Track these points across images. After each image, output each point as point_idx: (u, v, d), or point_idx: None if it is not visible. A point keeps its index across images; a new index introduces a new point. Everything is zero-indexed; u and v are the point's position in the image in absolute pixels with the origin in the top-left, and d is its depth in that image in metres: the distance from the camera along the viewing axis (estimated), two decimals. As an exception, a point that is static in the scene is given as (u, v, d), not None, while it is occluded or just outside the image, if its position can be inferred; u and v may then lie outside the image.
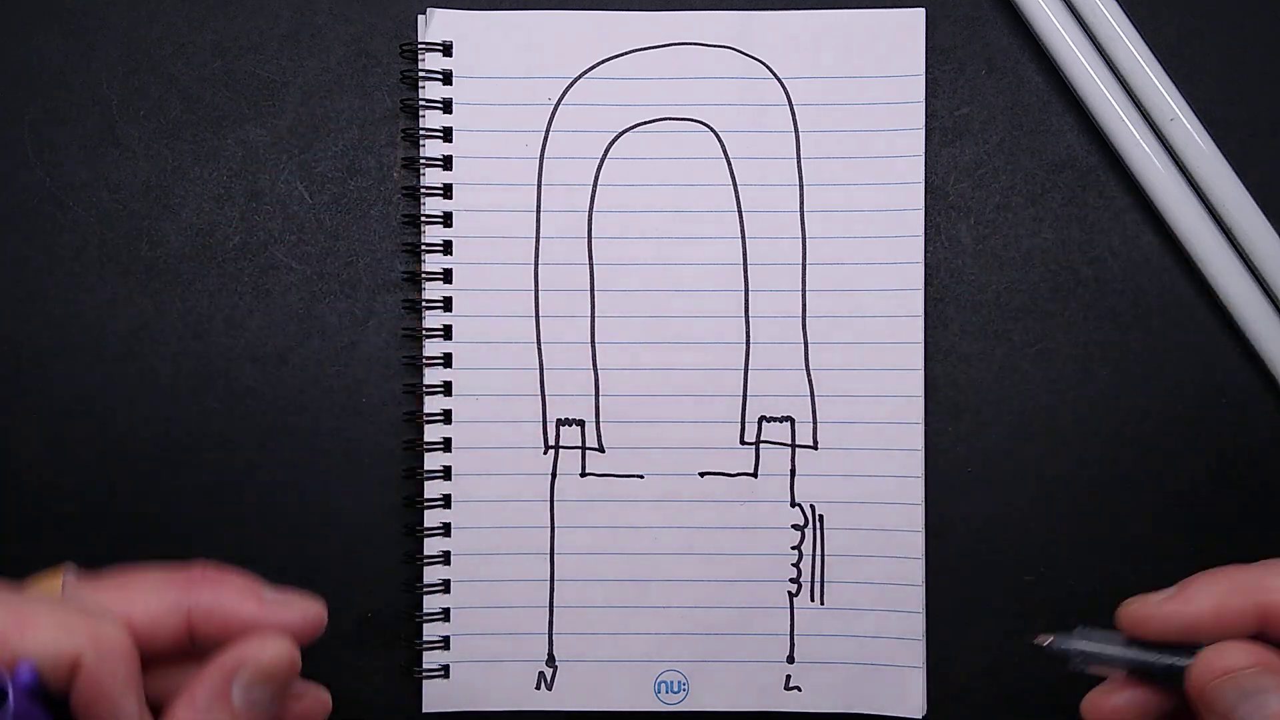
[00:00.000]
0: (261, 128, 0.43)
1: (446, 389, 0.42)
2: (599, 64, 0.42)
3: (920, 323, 0.42)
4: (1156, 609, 0.31)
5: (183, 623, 0.30)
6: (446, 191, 0.42)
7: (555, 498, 0.42)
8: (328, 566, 0.42)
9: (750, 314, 0.42)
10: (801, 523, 0.42)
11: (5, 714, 0.25)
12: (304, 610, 0.31)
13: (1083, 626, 0.32)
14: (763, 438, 0.42)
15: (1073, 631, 0.32)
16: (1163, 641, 0.31)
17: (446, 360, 0.42)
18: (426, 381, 0.42)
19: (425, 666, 0.42)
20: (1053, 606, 0.42)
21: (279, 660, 0.30)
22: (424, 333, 0.42)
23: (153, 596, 0.30)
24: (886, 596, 0.41)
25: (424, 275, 0.42)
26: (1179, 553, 0.41)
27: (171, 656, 0.31)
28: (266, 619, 0.31)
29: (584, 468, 0.42)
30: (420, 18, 0.42)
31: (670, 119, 0.42)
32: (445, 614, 0.42)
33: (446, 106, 0.42)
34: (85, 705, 0.28)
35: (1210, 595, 0.31)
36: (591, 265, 0.42)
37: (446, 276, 0.42)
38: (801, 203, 0.42)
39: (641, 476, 0.42)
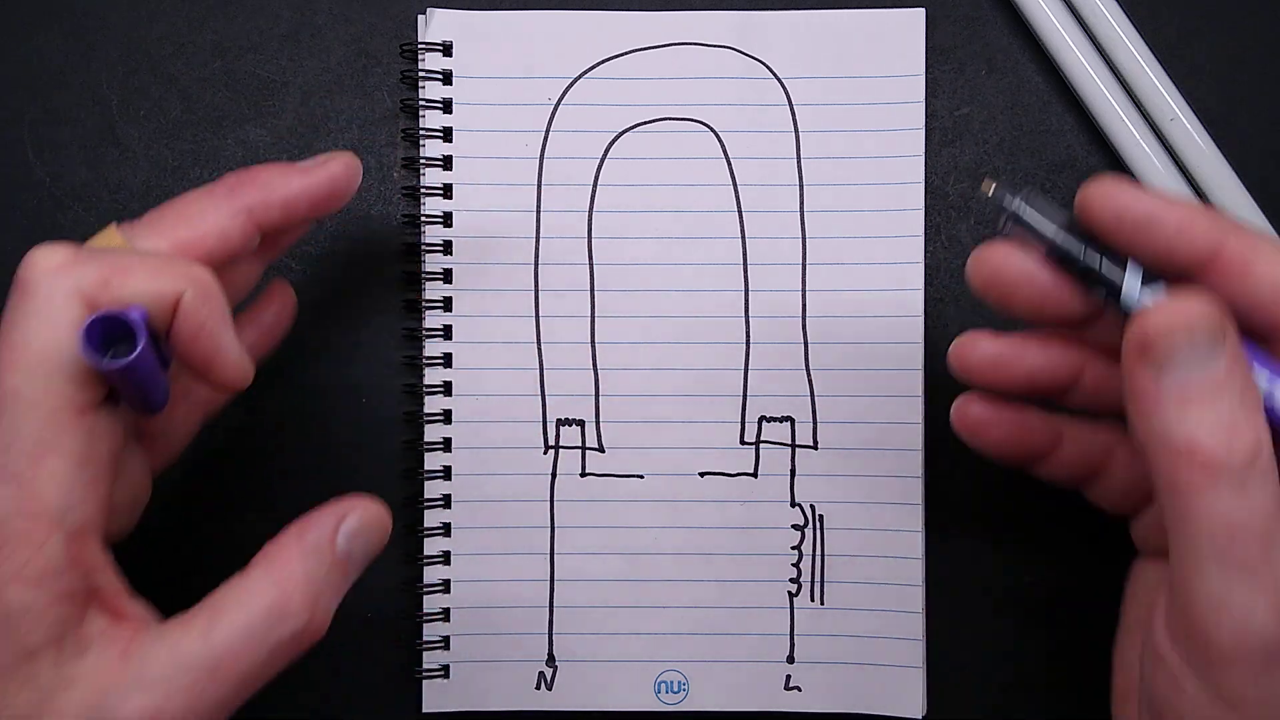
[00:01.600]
0: (261, 128, 0.43)
1: (446, 389, 0.42)
2: (599, 64, 0.42)
3: (920, 323, 0.42)
4: (1125, 192, 0.30)
5: (247, 224, 0.33)
6: (446, 191, 0.42)
7: (555, 498, 0.42)
8: (328, 566, 0.42)
9: (750, 314, 0.42)
10: (801, 523, 0.42)
11: (136, 353, 0.28)
12: (342, 162, 0.35)
13: (1032, 189, 0.31)
14: (763, 438, 0.42)
15: (1021, 191, 0.31)
16: (1102, 239, 0.30)
17: (446, 360, 0.42)
18: (426, 381, 0.42)
19: (425, 666, 0.42)
20: (1053, 606, 0.42)
21: (380, 517, 0.33)
22: (424, 333, 0.42)
23: (210, 215, 0.32)
24: (886, 596, 0.41)
25: (424, 275, 0.42)
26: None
27: (241, 262, 0.34)
28: (316, 183, 0.34)
29: (584, 468, 0.42)
30: (420, 18, 0.42)
31: (670, 119, 0.42)
32: (445, 614, 0.42)
33: (446, 106, 0.42)
34: (187, 341, 0.30)
35: (1185, 212, 0.29)
36: (591, 265, 0.42)
37: (446, 276, 0.42)
38: (801, 203, 0.42)
39: (641, 476, 0.42)
